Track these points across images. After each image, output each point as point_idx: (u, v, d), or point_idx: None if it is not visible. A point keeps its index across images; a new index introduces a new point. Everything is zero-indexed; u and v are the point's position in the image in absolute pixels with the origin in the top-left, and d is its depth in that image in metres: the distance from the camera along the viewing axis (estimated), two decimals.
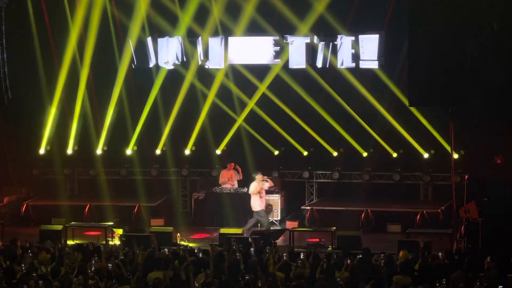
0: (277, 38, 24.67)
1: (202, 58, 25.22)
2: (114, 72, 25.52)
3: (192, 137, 25.72)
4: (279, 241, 20.44)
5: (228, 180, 24.44)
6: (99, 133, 26.01)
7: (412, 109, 23.41)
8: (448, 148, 21.28)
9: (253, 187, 22.41)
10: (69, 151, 26.24)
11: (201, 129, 25.66)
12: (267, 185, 22.59)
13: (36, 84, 25.80)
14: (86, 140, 26.26)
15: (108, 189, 25.47)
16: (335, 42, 24.48)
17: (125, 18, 25.24)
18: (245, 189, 24.02)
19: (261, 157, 25.52)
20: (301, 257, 15.95)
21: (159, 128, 25.83)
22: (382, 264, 15.66)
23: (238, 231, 20.97)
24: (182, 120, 25.69)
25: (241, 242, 18.13)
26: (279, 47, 24.75)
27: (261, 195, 22.36)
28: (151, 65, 25.63)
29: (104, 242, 20.10)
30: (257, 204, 22.29)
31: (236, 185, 24.33)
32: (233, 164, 24.60)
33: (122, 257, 16.15)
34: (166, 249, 17.34)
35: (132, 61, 25.57)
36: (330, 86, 24.82)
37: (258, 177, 22.43)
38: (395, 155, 25.13)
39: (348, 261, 15.45)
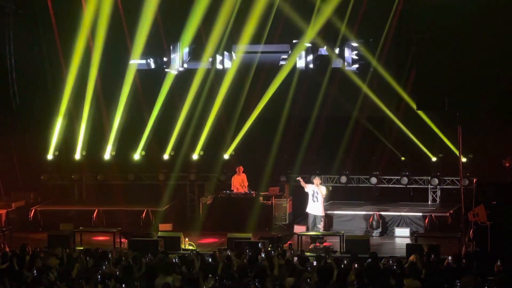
0: (287, 49, 24.74)
1: (209, 63, 25.27)
2: (122, 77, 25.57)
3: (200, 141, 25.74)
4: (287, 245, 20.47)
5: (240, 185, 24.45)
6: (107, 138, 26.06)
7: (420, 112, 23.40)
8: (457, 152, 21.23)
9: (307, 189, 22.26)
10: (77, 156, 26.29)
11: (209, 134, 25.68)
12: (318, 189, 22.08)
13: (44, 90, 25.86)
14: (94, 145, 26.30)
15: (116, 194, 25.52)
16: (342, 46, 24.55)
17: (133, 23, 25.27)
18: (253, 193, 24.07)
19: (269, 161, 25.51)
20: (314, 264, 15.89)
21: (167, 133, 25.85)
22: (394, 267, 15.61)
23: (246, 235, 20.93)
24: (190, 124, 25.71)
25: (250, 246, 18.13)
26: (287, 55, 24.84)
27: (314, 199, 22.05)
28: (159, 69, 25.71)
29: (112, 247, 20.11)
30: (309, 206, 22.21)
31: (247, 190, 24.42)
32: (242, 167, 24.59)
33: (130, 262, 16.15)
34: (174, 254, 17.35)
35: (140, 66, 25.64)
36: (337, 89, 24.85)
37: (316, 180, 22.28)
38: (403, 158, 25.12)
39: (356, 265, 15.42)
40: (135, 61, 25.61)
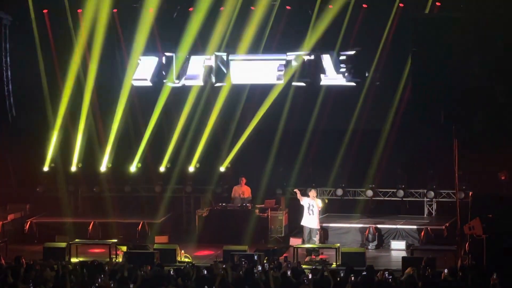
0: (282, 61, 24.73)
1: (205, 75, 25.29)
2: (118, 89, 25.56)
3: (196, 154, 25.72)
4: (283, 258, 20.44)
5: (240, 195, 24.45)
6: (103, 150, 26.02)
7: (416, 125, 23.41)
8: (452, 165, 21.24)
9: (302, 202, 22.41)
10: (73, 168, 26.24)
11: (205, 146, 25.66)
12: (314, 202, 22.25)
13: (41, 102, 25.85)
14: (90, 157, 26.27)
15: (112, 206, 25.50)
16: (338, 58, 24.60)
17: (129, 35, 25.29)
18: (249, 205, 24.06)
19: (265, 174, 25.50)
20: (310, 277, 15.87)
21: (163, 145, 25.82)
22: (389, 280, 15.59)
23: (242, 247, 20.91)
24: (186, 137, 25.70)
25: (246, 258, 18.10)
26: (283, 70, 24.81)
27: (309, 212, 22.19)
28: (155, 82, 25.71)
29: (108, 260, 20.08)
30: (304, 219, 22.30)
31: (246, 202, 24.36)
32: (244, 179, 24.61)
33: (125, 275, 16.11)
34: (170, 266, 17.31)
35: (136, 78, 25.64)
36: (333, 103, 24.88)
37: (311, 193, 22.34)
38: (398, 171, 25.11)
39: (352, 277, 15.41)
40: (132, 74, 25.60)
